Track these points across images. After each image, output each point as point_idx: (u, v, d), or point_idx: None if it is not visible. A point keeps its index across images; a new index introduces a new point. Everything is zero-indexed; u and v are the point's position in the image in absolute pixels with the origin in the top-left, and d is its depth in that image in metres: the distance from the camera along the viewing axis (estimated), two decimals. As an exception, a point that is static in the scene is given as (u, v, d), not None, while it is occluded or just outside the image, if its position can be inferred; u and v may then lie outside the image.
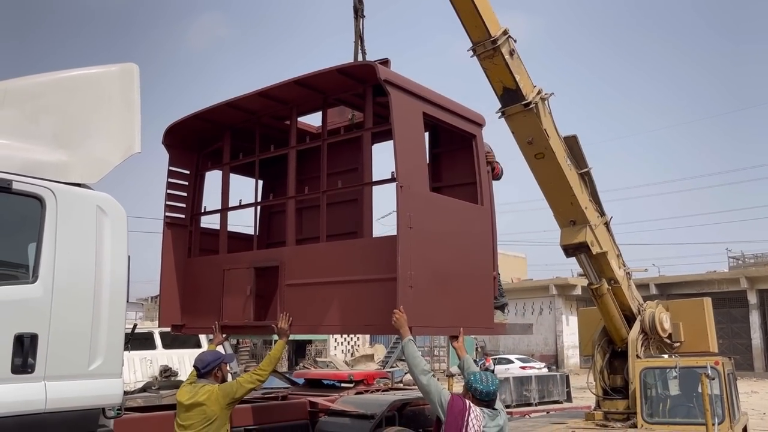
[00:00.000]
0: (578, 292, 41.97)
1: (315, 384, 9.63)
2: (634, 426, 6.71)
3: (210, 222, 6.56)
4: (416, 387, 5.01)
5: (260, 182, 6.66)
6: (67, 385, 4.43)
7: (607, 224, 7.92)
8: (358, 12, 6.43)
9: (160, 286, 6.24)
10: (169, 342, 12.05)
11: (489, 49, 6.46)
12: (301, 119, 6.24)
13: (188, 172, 6.40)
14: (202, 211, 6.44)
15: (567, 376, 16.63)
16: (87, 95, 5.00)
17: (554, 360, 40.52)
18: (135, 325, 5.48)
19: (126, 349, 5.03)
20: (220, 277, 5.79)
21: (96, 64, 5.13)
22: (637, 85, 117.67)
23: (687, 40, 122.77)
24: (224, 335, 5.86)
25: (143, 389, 11.10)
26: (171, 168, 6.30)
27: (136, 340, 9.87)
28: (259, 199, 6.47)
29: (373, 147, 5.55)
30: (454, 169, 6.10)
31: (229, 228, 6.36)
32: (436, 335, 5.94)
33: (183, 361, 11.77)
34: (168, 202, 6.29)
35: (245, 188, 6.50)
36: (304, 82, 5.38)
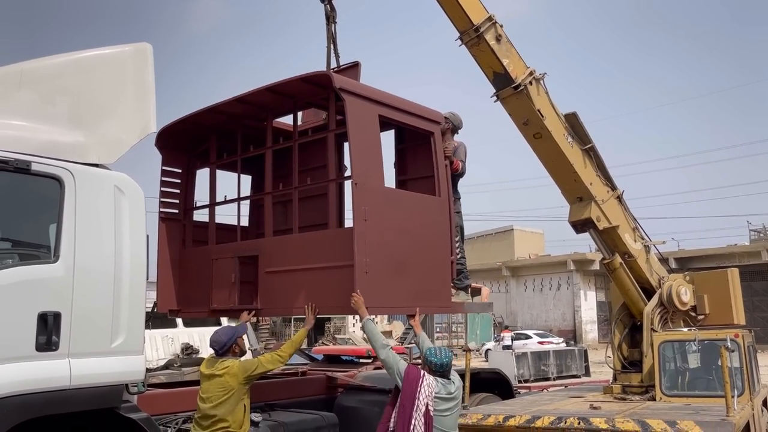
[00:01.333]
0: (596, 267, 41.68)
1: (334, 360, 9.73)
2: (653, 399, 6.70)
3: (205, 215, 7.06)
4: None
5: (250, 177, 7.33)
6: (90, 362, 4.52)
7: (619, 198, 7.85)
8: (330, 18, 6.75)
9: (157, 275, 6.68)
10: (190, 320, 12.20)
11: (473, 38, 6.64)
12: (280, 120, 6.74)
13: (180, 170, 6.92)
14: (194, 206, 7.03)
15: (585, 351, 16.65)
16: (102, 75, 5.03)
17: (572, 335, 40.56)
18: (155, 303, 5.55)
19: (147, 326, 5.11)
20: (210, 266, 6.28)
21: (96, 46, 5.15)
22: (641, 62, 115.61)
23: (694, 19, 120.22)
24: (250, 314, 6.00)
25: (165, 366, 11.25)
26: (164, 167, 6.80)
27: (158, 319, 10.03)
28: (248, 193, 7.12)
29: (345, 144, 6.09)
30: (417, 164, 6.59)
31: (224, 220, 6.96)
32: (393, 314, 6.60)
33: (203, 338, 11.91)
34: (162, 199, 6.79)
35: (243, 183, 6.97)
36: (275, 89, 5.91)
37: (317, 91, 5.89)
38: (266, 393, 6.64)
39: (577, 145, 7.45)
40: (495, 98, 7.13)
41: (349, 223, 5.97)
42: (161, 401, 5.87)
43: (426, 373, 4.80)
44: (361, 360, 9.20)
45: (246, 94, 6.04)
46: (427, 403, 4.66)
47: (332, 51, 6.71)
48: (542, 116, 7.07)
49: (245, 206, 7.33)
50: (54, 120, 4.77)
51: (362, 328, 5.42)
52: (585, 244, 50.08)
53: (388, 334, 30.27)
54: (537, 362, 15.42)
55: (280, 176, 6.35)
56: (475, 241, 51.29)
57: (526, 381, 14.73)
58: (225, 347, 5.16)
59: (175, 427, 5.54)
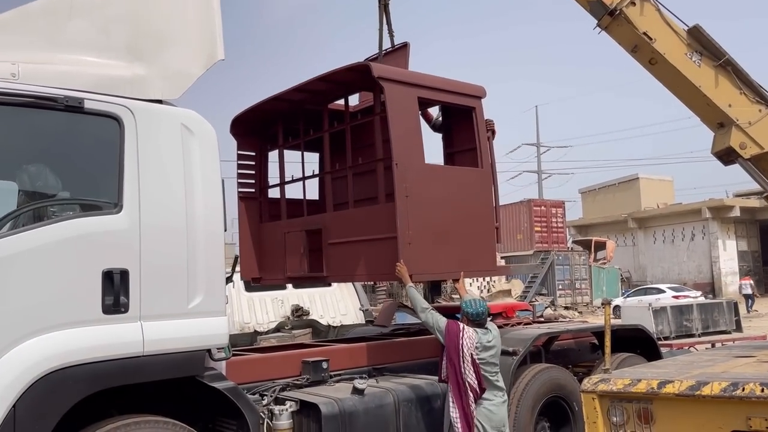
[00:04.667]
0: (736, 213, 38.22)
1: (448, 318, 8.92)
2: None
3: (278, 192, 7.56)
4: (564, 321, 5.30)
5: (318, 156, 7.68)
6: (165, 325, 3.97)
7: None
8: (381, 0, 7.00)
9: (239, 248, 7.47)
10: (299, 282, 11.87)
11: None
12: (338, 102, 7.06)
13: (253, 153, 7.53)
14: (268, 185, 7.63)
15: (735, 303, 14.73)
16: (161, 0, 4.37)
17: (710, 288, 37.40)
18: (236, 257, 4.95)
19: (229, 281, 4.51)
20: (283, 239, 6.91)
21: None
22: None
23: None
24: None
25: (276, 329, 11.02)
26: (239, 152, 7.41)
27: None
28: (315, 169, 7.71)
29: None
30: (462, 137, 6.86)
31: (297, 196, 7.49)
32: (437, 279, 6.53)
33: (314, 300, 11.56)
34: (239, 180, 7.44)
35: (311, 160, 7.64)
36: (326, 78, 6.33)
37: (363, 77, 6.11)
38: (374, 355, 5.99)
39: (707, 63, 6.56)
40: (598, 30, 6.63)
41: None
42: (258, 367, 5.32)
43: (465, 326, 5.19)
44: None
45: (301, 84, 6.49)
46: (472, 354, 5.08)
47: (384, 34, 7.03)
48: (650, 39, 6.44)
49: (314, 183, 7.89)
50: (110, 52, 4.17)
51: (406, 294, 5.69)
52: (721, 190, 45.95)
53: (507, 292, 29.14)
54: (678, 317, 13.73)
55: (339, 153, 6.74)
56: (597, 193, 48.50)
57: (666, 338, 13.21)
58: None
59: (272, 396, 4.94)
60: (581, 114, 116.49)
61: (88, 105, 3.89)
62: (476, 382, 5.09)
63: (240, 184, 7.44)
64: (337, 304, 11.61)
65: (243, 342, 10.23)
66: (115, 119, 3.99)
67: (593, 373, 5.83)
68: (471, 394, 5.06)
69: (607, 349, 5.40)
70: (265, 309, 11.13)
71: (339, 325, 11.27)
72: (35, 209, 3.77)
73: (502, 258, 33.52)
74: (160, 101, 4.22)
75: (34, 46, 4.01)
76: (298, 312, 11.14)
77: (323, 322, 11.33)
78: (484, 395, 5.16)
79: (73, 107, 3.84)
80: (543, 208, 37.14)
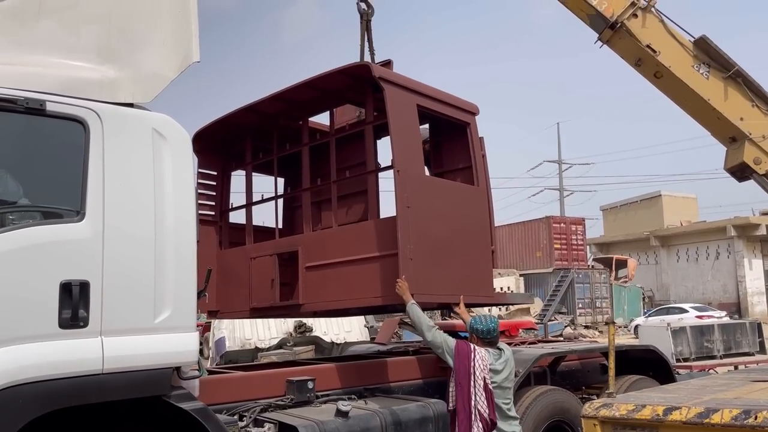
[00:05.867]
0: (762, 231, 37.29)
1: (453, 336, 8.58)
2: None
3: (240, 218, 7.10)
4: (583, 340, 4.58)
5: (282, 180, 7.25)
6: (128, 340, 3.72)
7: None
8: (363, 16, 6.78)
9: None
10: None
11: None
12: (314, 119, 6.72)
13: (215, 173, 7.02)
14: (230, 207, 7.07)
15: (759, 324, 14.16)
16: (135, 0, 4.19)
17: (736, 308, 36.38)
18: (210, 271, 4.72)
19: (201, 295, 4.27)
20: (248, 265, 6.34)
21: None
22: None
23: None
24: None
25: (279, 346, 10.77)
26: (199, 170, 6.86)
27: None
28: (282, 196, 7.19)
29: (379, 142, 6.16)
30: (454, 155, 6.54)
31: (256, 224, 6.96)
32: (436, 302, 5.85)
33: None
34: (198, 201, 6.52)
35: (271, 187, 7.03)
36: (313, 84, 5.87)
37: (354, 84, 5.82)
38: (365, 375, 5.70)
39: (715, 75, 6.33)
40: (600, 44, 6.49)
41: (386, 215, 5.90)
42: (237, 386, 5.05)
43: (476, 347, 4.66)
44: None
45: (283, 91, 6.02)
46: (484, 377, 4.52)
47: (365, 50, 6.75)
48: (654, 52, 6.24)
49: (271, 210, 7.30)
50: (79, 54, 3.98)
51: (407, 313, 5.17)
52: (747, 208, 44.98)
53: (526, 311, 28.57)
54: (698, 338, 13.20)
55: (317, 176, 6.40)
56: (619, 210, 47.69)
57: (686, 360, 12.70)
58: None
59: (251, 417, 4.67)
60: (603, 131, 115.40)
61: (50, 107, 3.69)
62: (488, 410, 4.50)
63: (198, 206, 6.93)
64: (342, 320, 11.33)
65: (244, 358, 10.00)
66: (80, 122, 3.78)
67: (599, 397, 5.50)
68: (481, 425, 4.47)
69: (611, 372, 5.07)
70: (267, 325, 10.92)
71: (343, 342, 10.99)
72: (-8, 216, 3.57)
73: (521, 275, 33.04)
74: (131, 105, 4.02)
75: (-1, 46, 3.84)
76: (301, 328, 10.91)
77: (327, 338, 11.06)
78: (499, 425, 4.58)
79: (34, 110, 3.64)
80: (563, 225, 36.60)
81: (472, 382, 4.51)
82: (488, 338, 4.74)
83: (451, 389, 4.67)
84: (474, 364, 4.54)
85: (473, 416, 4.46)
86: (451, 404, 4.66)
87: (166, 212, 3.97)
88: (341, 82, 5.89)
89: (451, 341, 4.79)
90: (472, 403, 4.48)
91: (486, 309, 22.48)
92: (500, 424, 4.59)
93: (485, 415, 4.48)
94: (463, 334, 8.41)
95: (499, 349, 4.79)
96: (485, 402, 4.49)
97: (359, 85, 5.75)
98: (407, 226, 5.16)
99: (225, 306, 6.75)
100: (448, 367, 4.82)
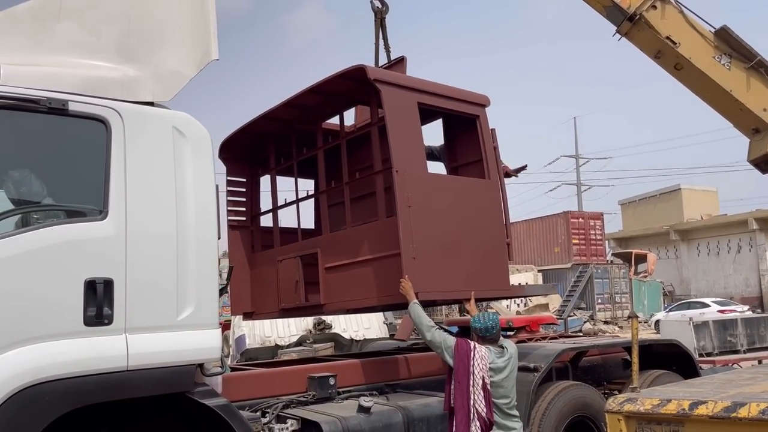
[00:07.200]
0: (785, 224, 36.74)
1: (469, 332, 8.56)
2: None
3: (271, 220, 7.23)
4: (601, 336, 4.53)
5: (313, 181, 7.37)
6: (152, 338, 3.75)
7: None
8: (377, 14, 6.81)
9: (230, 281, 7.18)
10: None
11: None
12: (331, 121, 6.74)
13: (244, 179, 7.18)
14: (260, 212, 7.25)
15: (783, 318, 14.01)
16: (154, -1, 4.21)
17: (758, 302, 35.87)
18: (231, 268, 4.73)
19: (223, 293, 4.29)
20: (276, 267, 6.45)
21: None
22: None
23: None
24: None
25: (298, 343, 10.81)
26: (228, 178, 7.07)
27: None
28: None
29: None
30: (466, 149, 6.51)
31: (290, 224, 7.11)
32: (446, 298, 5.85)
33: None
34: (229, 208, 7.05)
35: (305, 187, 7.25)
36: (317, 89, 5.94)
37: (358, 86, 5.78)
38: (386, 371, 5.71)
39: (737, 66, 6.29)
40: (618, 37, 6.44)
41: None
42: (260, 383, 5.09)
43: (477, 345, 4.61)
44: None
45: (293, 97, 6.10)
46: (483, 376, 4.48)
47: (381, 47, 6.84)
48: (674, 43, 6.19)
49: (309, 209, 7.48)
50: (99, 53, 4.02)
51: (408, 312, 5.19)
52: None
53: (545, 306, 28.39)
54: (722, 332, 13.08)
55: (335, 177, 6.44)
56: (638, 205, 47.21)
57: (708, 354, 12.57)
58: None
59: (273, 413, 4.69)
60: (622, 125, 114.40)
61: (72, 107, 3.73)
62: (486, 410, 4.46)
63: (230, 212, 7.06)
64: (361, 317, 11.34)
65: (264, 356, 10.04)
66: (102, 122, 3.82)
67: (622, 392, 5.44)
68: (479, 424, 4.43)
69: (635, 366, 5.02)
70: (286, 322, 10.93)
71: (362, 339, 10.99)
72: (17, 216, 3.62)
73: (539, 271, 32.85)
74: (151, 103, 4.04)
75: (21, 48, 3.90)
76: (321, 325, 10.93)
77: (346, 335, 11.08)
78: (499, 426, 4.54)
79: (57, 109, 3.67)
80: (581, 220, 36.27)
81: (471, 381, 4.49)
82: (488, 336, 4.68)
83: (451, 388, 4.64)
84: (473, 363, 4.51)
85: (471, 415, 4.45)
86: (450, 403, 4.63)
87: (188, 210, 3.99)
88: (345, 85, 5.92)
89: (451, 340, 4.76)
90: (471, 402, 4.46)
91: (504, 303, 22.43)
92: (501, 422, 4.55)
93: (483, 414, 4.46)
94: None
95: (501, 347, 4.73)
96: (483, 401, 4.47)
97: (363, 87, 5.75)
98: (409, 226, 5.15)
99: (259, 307, 6.90)
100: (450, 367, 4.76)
